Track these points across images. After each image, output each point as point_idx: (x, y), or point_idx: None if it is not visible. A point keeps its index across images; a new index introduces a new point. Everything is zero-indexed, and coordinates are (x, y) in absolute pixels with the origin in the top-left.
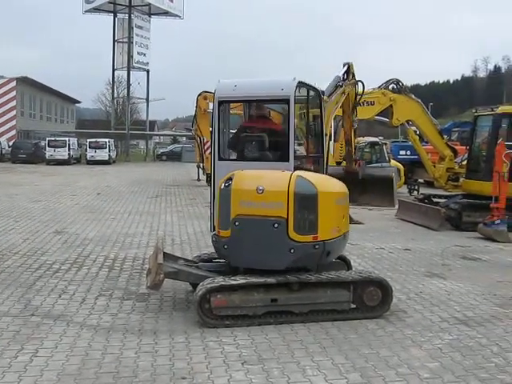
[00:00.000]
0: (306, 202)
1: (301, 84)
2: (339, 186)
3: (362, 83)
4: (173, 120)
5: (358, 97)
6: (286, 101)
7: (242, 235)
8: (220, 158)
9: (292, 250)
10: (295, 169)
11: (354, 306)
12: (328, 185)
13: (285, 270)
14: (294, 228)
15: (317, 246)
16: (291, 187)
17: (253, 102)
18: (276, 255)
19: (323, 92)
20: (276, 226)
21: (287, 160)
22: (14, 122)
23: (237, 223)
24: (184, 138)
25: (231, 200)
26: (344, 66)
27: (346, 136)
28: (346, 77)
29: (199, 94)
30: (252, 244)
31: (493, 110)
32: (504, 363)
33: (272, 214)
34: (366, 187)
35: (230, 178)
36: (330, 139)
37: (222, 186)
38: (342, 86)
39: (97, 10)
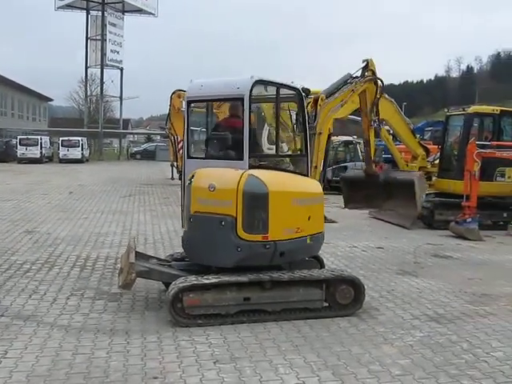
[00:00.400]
0: (256, 201)
1: (260, 82)
2: (303, 186)
3: (381, 81)
4: (147, 118)
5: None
6: (241, 100)
7: (195, 232)
8: (188, 157)
9: (239, 249)
10: (262, 168)
11: (327, 304)
12: (284, 184)
13: (237, 268)
14: (243, 226)
15: (267, 246)
16: (240, 186)
17: (214, 101)
18: (224, 253)
19: (307, 90)
20: (223, 223)
21: (242, 158)
22: None
23: (191, 220)
24: (158, 137)
25: (191, 197)
26: (363, 62)
27: (364, 136)
28: (362, 74)
29: (173, 93)
30: (203, 240)
31: (464, 110)
32: (473, 359)
33: (221, 212)
34: (390, 192)
35: (193, 176)
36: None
37: (186, 184)
38: (351, 84)
39: (69, 6)
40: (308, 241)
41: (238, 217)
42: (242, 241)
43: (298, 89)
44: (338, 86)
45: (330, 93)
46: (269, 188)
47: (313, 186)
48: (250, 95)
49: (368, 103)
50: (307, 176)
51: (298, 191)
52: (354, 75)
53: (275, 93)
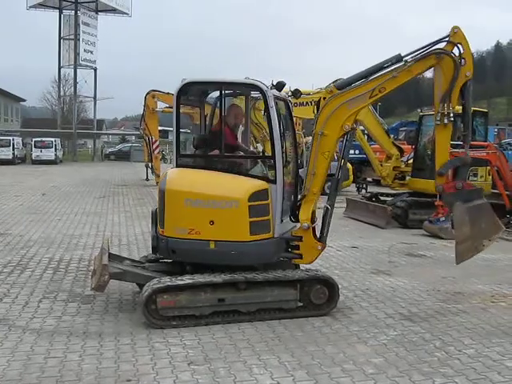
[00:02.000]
0: (161, 197)
1: (191, 84)
2: (209, 189)
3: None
4: (122, 119)
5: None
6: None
7: None
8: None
9: (155, 239)
10: (191, 167)
11: (301, 304)
12: (183, 184)
13: (232, 269)
14: (158, 219)
15: (163, 241)
16: (160, 182)
17: None
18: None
19: (295, 91)
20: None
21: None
22: None
23: None
24: (133, 138)
25: None
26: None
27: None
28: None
29: (148, 93)
30: None
31: None
32: (446, 357)
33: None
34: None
35: None
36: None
37: None
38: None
39: (42, 5)
40: (212, 246)
41: (158, 210)
42: (156, 233)
43: (256, 85)
44: (366, 73)
45: (347, 83)
46: (166, 186)
47: (235, 190)
48: (178, 97)
49: (442, 86)
50: (272, 180)
51: (195, 192)
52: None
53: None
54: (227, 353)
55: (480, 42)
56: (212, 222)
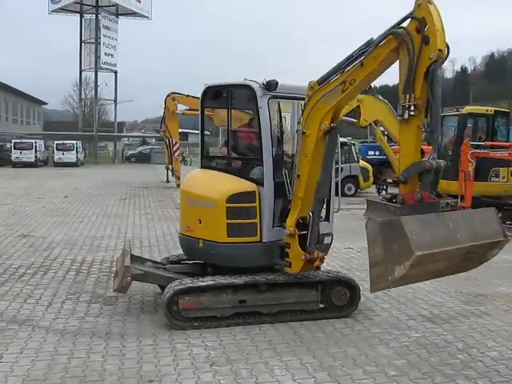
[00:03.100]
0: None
1: (210, 88)
2: (203, 189)
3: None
4: (142, 121)
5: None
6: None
7: None
8: None
9: None
10: (212, 168)
11: (322, 305)
12: (188, 184)
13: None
14: None
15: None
16: None
17: None
18: None
19: (269, 83)
20: None
21: None
22: None
23: None
24: (153, 140)
25: None
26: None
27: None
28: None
29: (168, 95)
30: None
31: (458, 111)
32: (469, 359)
33: None
34: None
35: None
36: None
37: None
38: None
39: (63, 10)
40: (200, 244)
41: None
42: None
43: (246, 85)
44: (340, 65)
45: (325, 78)
46: (181, 186)
47: (216, 191)
48: (203, 100)
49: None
50: (259, 182)
51: (191, 192)
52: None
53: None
54: (249, 354)
55: (501, 42)
56: (200, 221)
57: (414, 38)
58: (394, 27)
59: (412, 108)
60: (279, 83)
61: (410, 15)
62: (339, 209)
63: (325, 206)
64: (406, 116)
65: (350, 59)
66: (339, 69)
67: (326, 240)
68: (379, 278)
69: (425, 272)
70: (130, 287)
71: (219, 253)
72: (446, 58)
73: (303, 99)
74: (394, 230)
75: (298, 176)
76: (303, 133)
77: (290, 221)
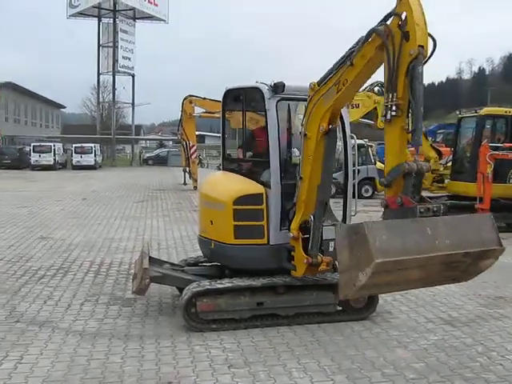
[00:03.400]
0: None
1: (230, 91)
2: (215, 191)
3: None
4: (159, 124)
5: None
6: None
7: None
8: None
9: None
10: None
11: (340, 308)
12: (206, 187)
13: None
14: None
15: None
16: None
17: None
18: None
19: (276, 85)
20: None
21: None
22: None
23: None
24: (170, 143)
25: None
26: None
27: None
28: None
29: (185, 98)
30: None
31: (476, 112)
32: (488, 362)
33: None
34: None
35: None
36: None
37: None
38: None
39: (81, 14)
40: (212, 245)
41: None
42: None
43: (255, 87)
44: (335, 64)
45: (323, 78)
46: (199, 188)
47: (224, 193)
48: (224, 103)
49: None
50: (267, 184)
51: (208, 194)
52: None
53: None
54: (267, 356)
55: None
56: (211, 222)
57: (395, 35)
58: (378, 24)
59: (394, 108)
60: (287, 85)
61: (393, 11)
62: (356, 212)
63: (341, 210)
64: (388, 116)
65: (343, 58)
66: (334, 69)
67: None
68: (346, 284)
69: (399, 280)
70: (148, 289)
71: (228, 254)
72: (431, 54)
73: (305, 100)
74: (358, 236)
75: (301, 178)
76: (305, 135)
77: (294, 224)
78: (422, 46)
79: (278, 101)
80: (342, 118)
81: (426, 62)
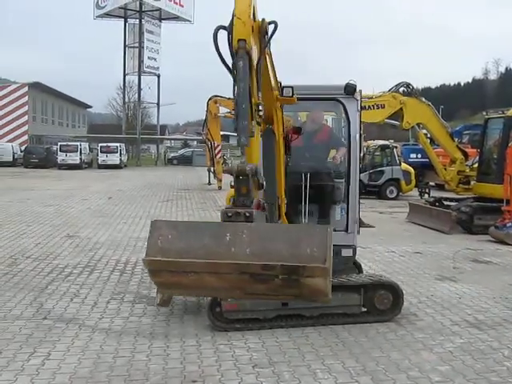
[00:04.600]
0: None
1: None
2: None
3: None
4: (183, 124)
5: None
6: None
7: None
8: None
9: None
10: None
11: (365, 309)
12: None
13: None
14: None
15: None
16: None
17: None
18: None
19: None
20: None
21: None
22: (26, 128)
23: None
24: (195, 142)
25: None
26: None
27: None
28: None
29: (210, 99)
30: None
31: (503, 113)
32: None
33: None
34: None
35: None
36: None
37: None
38: None
39: (108, 15)
40: None
41: None
42: None
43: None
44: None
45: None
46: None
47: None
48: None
49: None
50: None
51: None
52: None
53: None
54: (291, 356)
55: None
56: None
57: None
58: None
59: None
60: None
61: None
62: (360, 219)
63: (344, 215)
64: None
65: None
66: None
67: (345, 252)
68: None
69: (196, 284)
70: (171, 301)
71: None
72: (264, 45)
73: (309, 99)
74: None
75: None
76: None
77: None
78: (244, 40)
79: None
80: (348, 116)
81: (267, 45)
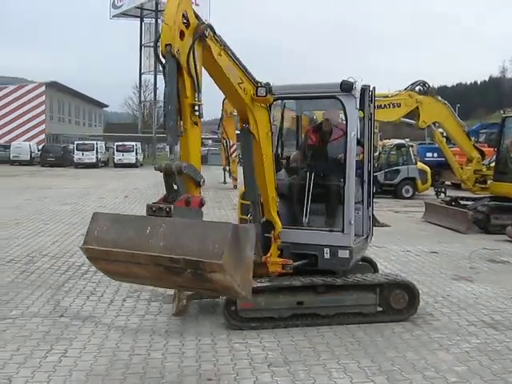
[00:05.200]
0: None
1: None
2: None
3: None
4: None
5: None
6: None
7: None
8: None
9: None
10: None
11: (381, 308)
12: None
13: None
14: None
15: None
16: None
17: None
18: None
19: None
20: None
21: None
22: (43, 126)
23: None
24: (210, 141)
25: None
26: None
27: None
28: None
29: (225, 97)
30: None
31: None
32: None
33: None
34: None
35: None
36: None
37: None
38: None
39: (124, 14)
40: None
41: None
42: None
43: None
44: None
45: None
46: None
47: None
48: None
49: None
50: None
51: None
52: None
53: None
54: (306, 356)
55: None
56: None
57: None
58: None
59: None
60: (275, 85)
61: None
62: (351, 220)
63: (340, 216)
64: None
65: None
66: None
67: (342, 254)
68: None
69: (131, 273)
70: (187, 310)
71: None
72: (189, 50)
73: (308, 98)
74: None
75: None
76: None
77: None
78: (170, 44)
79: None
80: (345, 113)
81: (191, 49)
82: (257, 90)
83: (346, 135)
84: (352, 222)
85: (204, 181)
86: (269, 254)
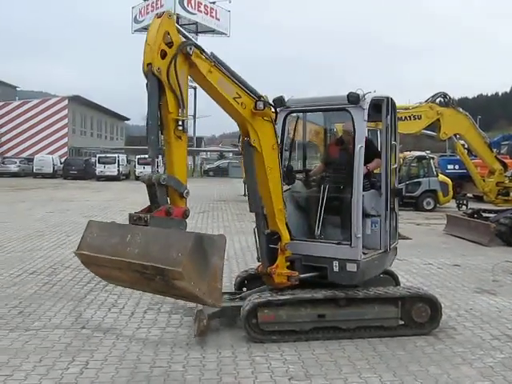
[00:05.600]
0: None
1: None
2: None
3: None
4: (219, 136)
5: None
6: None
7: None
8: None
9: None
10: None
11: (402, 322)
12: None
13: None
14: None
15: None
16: None
17: None
18: None
19: (274, 101)
20: None
21: None
22: (65, 140)
23: None
24: (230, 154)
25: None
26: None
27: None
28: None
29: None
30: None
31: None
32: None
33: None
34: None
35: None
36: None
37: None
38: None
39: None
40: None
41: None
42: None
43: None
44: None
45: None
46: None
47: None
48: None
49: None
50: None
51: None
52: None
53: None
54: (328, 369)
55: None
56: None
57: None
58: None
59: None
60: (289, 98)
61: None
62: (357, 233)
63: (347, 229)
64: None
65: None
66: None
67: (350, 267)
68: None
69: (115, 277)
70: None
71: None
72: (167, 67)
73: (320, 111)
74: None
75: None
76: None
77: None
78: (151, 63)
79: (287, 114)
80: (353, 125)
81: (170, 66)
82: (255, 104)
83: (354, 147)
84: (358, 236)
85: (188, 192)
86: (275, 265)
